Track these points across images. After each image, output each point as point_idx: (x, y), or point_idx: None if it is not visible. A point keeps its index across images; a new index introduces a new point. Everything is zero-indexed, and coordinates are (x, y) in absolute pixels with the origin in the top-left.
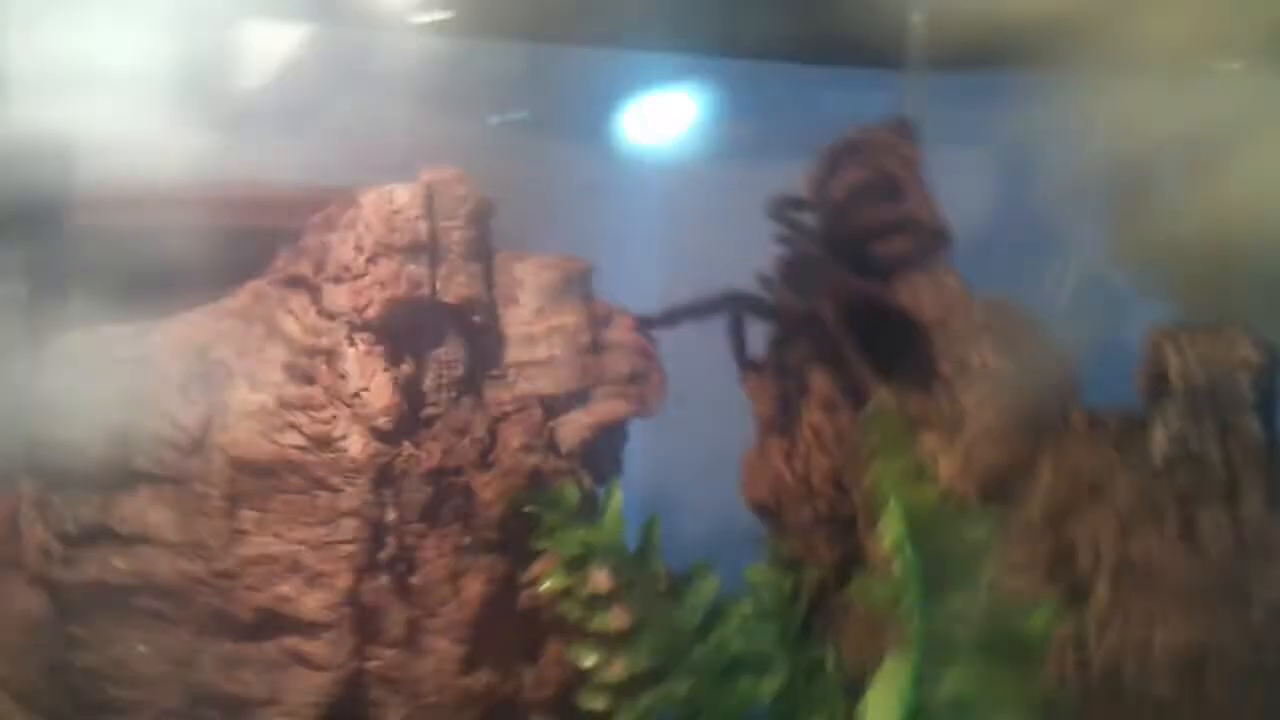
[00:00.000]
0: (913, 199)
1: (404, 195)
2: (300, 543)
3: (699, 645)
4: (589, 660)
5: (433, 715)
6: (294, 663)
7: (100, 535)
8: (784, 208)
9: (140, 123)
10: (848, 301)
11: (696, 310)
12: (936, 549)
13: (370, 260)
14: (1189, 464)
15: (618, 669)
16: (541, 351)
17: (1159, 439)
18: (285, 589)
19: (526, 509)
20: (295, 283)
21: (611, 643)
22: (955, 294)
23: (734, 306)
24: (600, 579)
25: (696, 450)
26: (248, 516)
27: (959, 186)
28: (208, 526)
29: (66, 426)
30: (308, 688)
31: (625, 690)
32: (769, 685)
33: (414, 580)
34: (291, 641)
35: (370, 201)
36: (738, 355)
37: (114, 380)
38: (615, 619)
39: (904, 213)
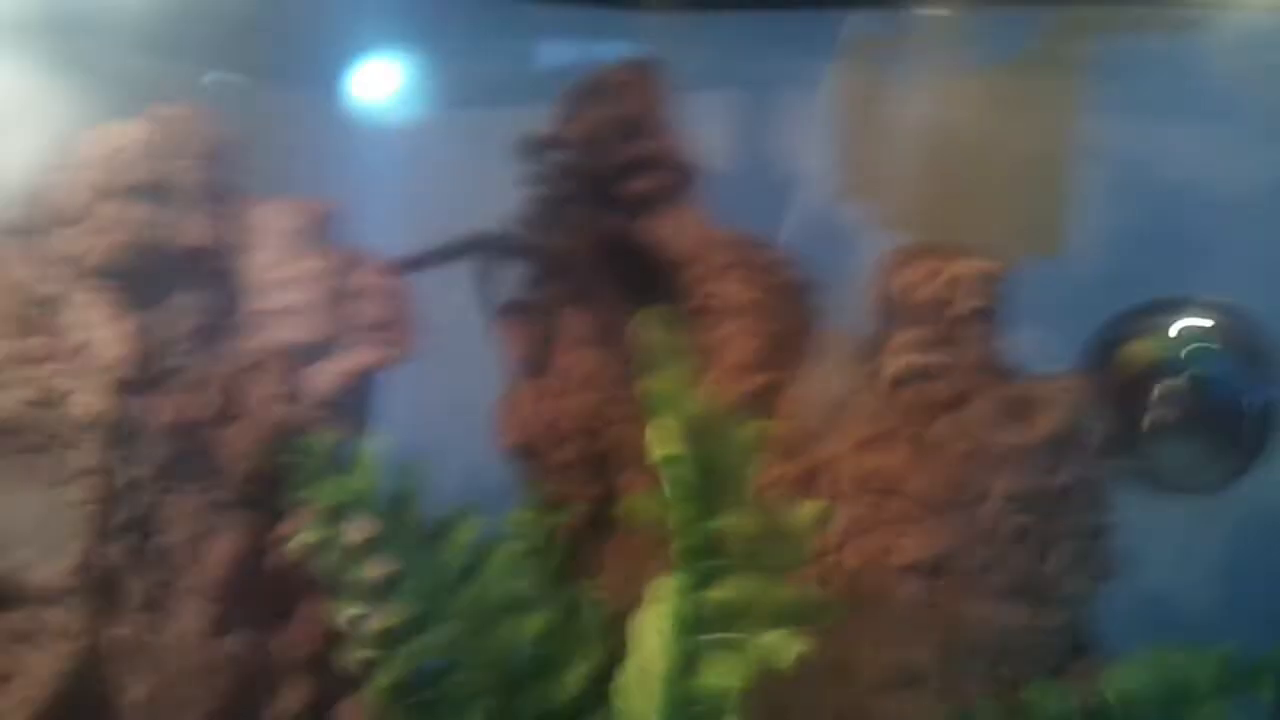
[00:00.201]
0: (658, 137)
1: (127, 133)
2: (34, 506)
3: (460, 592)
4: (350, 613)
5: (180, 685)
6: (31, 635)
7: None
8: (534, 148)
9: None
10: (598, 239)
11: (445, 253)
12: (707, 459)
13: (93, 202)
14: (918, 379)
15: (379, 620)
16: (285, 298)
17: (889, 357)
18: (19, 556)
19: (276, 461)
20: (21, 230)
21: (372, 594)
22: (702, 230)
23: (482, 247)
24: (356, 529)
25: (449, 397)
26: None
27: (703, 128)
28: None
29: None
30: (45, 661)
31: (388, 642)
32: (531, 627)
33: (156, 542)
34: (27, 613)
35: (90, 140)
36: (486, 298)
37: None
38: (374, 569)
39: (649, 150)
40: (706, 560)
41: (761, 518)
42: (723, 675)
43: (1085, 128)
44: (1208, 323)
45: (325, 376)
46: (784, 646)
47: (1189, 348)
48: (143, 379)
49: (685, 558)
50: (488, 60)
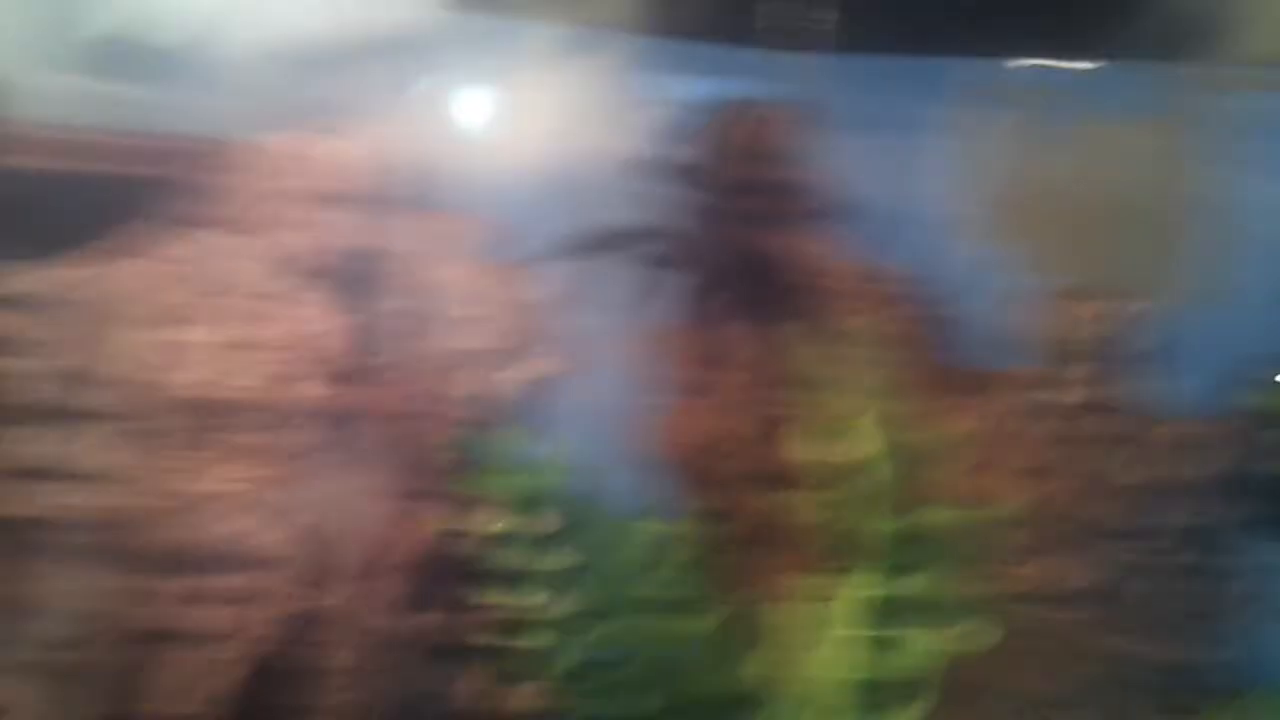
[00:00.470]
0: (799, 167)
1: (347, 145)
2: (258, 480)
3: (636, 587)
4: (537, 598)
5: (380, 653)
6: (250, 597)
7: (49, 472)
8: (679, 171)
9: None
10: (743, 256)
11: (605, 244)
12: (902, 458)
13: (323, 209)
14: (1099, 411)
15: (563, 607)
16: (478, 308)
17: (1065, 391)
18: (242, 524)
19: (467, 455)
20: (237, 229)
21: (554, 584)
22: (844, 260)
23: (638, 246)
24: (544, 522)
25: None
26: (205, 455)
27: (849, 166)
28: (164, 464)
29: (16, 359)
30: (263, 621)
31: (567, 629)
32: (702, 623)
33: (365, 522)
34: (249, 576)
35: (321, 152)
36: (644, 308)
37: (66, 321)
38: (557, 561)
39: (790, 177)
40: (899, 554)
41: (955, 514)
42: (915, 659)
43: (1221, 180)
44: None
45: (508, 382)
46: (975, 635)
47: None
48: (360, 372)
49: (877, 552)
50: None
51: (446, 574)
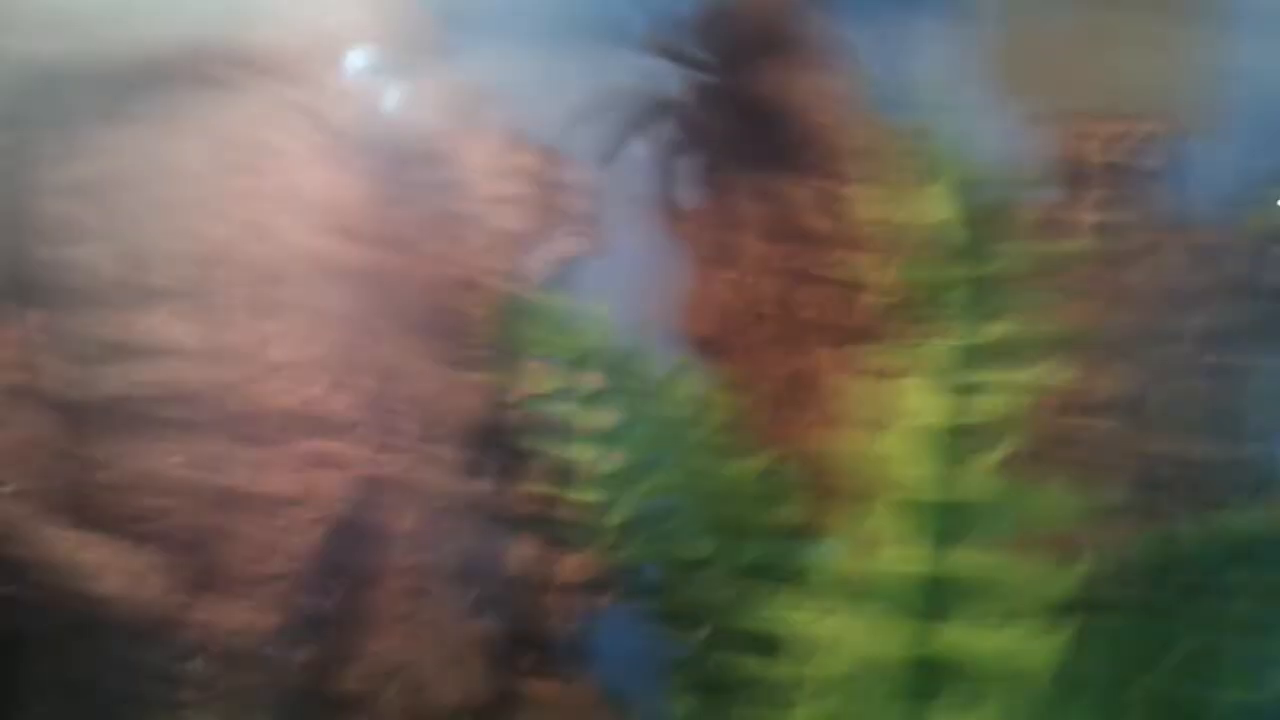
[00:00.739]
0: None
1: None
2: (319, 347)
3: (682, 439)
4: (586, 455)
5: (440, 519)
6: (322, 461)
7: (119, 353)
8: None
9: None
10: (744, 107)
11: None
12: (977, 215)
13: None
14: (1112, 231)
15: (613, 461)
16: (510, 187)
17: (1084, 214)
18: (310, 391)
19: (511, 322)
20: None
21: (606, 438)
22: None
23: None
24: (590, 380)
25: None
26: (269, 324)
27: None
28: (229, 336)
29: (76, 246)
30: (335, 486)
31: (618, 484)
32: (749, 468)
33: (419, 388)
34: (320, 441)
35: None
36: (664, 191)
37: (126, 196)
38: (605, 417)
39: (791, 30)
40: (978, 306)
41: (1031, 256)
42: (998, 405)
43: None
44: None
45: (542, 261)
46: (1054, 374)
47: None
48: (396, 239)
49: (955, 303)
50: None
51: (499, 439)
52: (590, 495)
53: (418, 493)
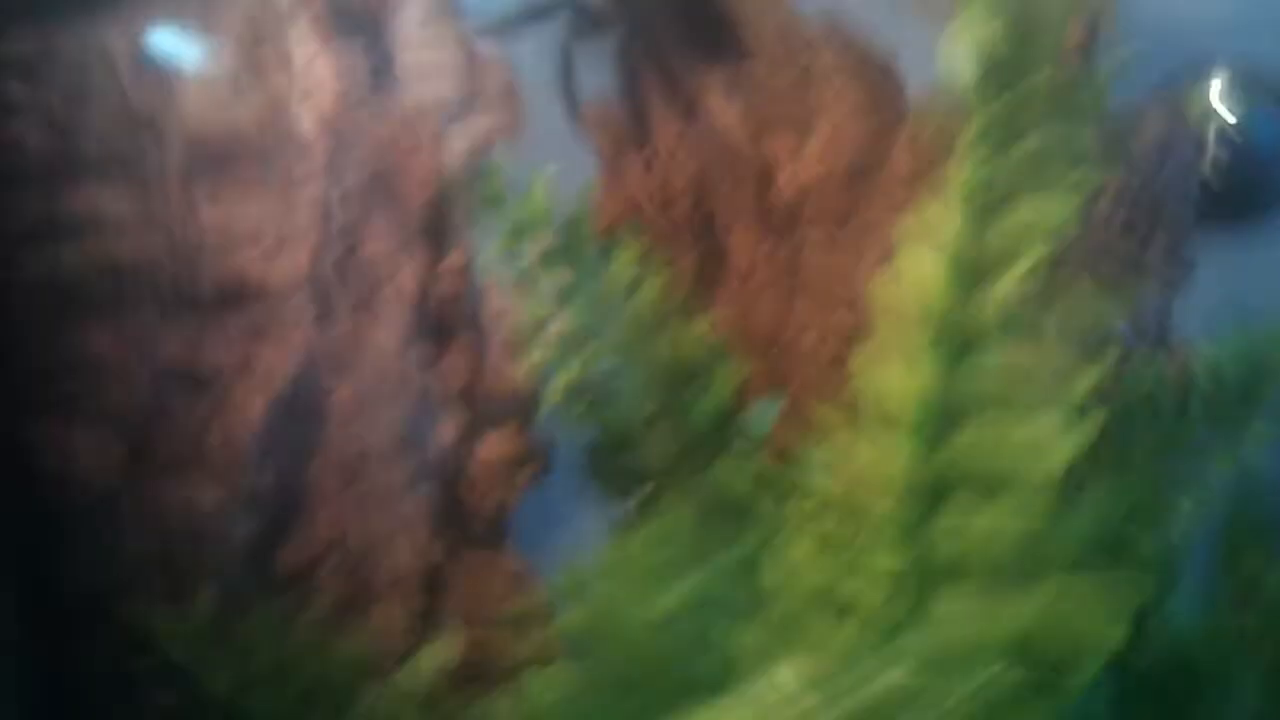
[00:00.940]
0: None
1: None
2: (262, 208)
3: (625, 305)
4: (537, 316)
5: (375, 394)
6: (266, 329)
7: (44, 231)
8: None
9: None
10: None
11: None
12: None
13: None
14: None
15: (561, 323)
16: (436, 55)
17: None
18: (251, 254)
19: (453, 190)
20: None
21: (549, 303)
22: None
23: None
24: (536, 244)
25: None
26: (210, 193)
27: None
28: (169, 207)
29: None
30: (281, 354)
31: (565, 345)
32: (689, 332)
33: (356, 260)
34: (262, 308)
35: None
36: (565, 83)
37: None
38: (552, 280)
39: None
40: (1011, 122)
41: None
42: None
43: None
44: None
45: (466, 137)
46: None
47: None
48: (340, 110)
49: (985, 129)
50: None
51: (442, 309)
52: (539, 356)
53: (358, 364)
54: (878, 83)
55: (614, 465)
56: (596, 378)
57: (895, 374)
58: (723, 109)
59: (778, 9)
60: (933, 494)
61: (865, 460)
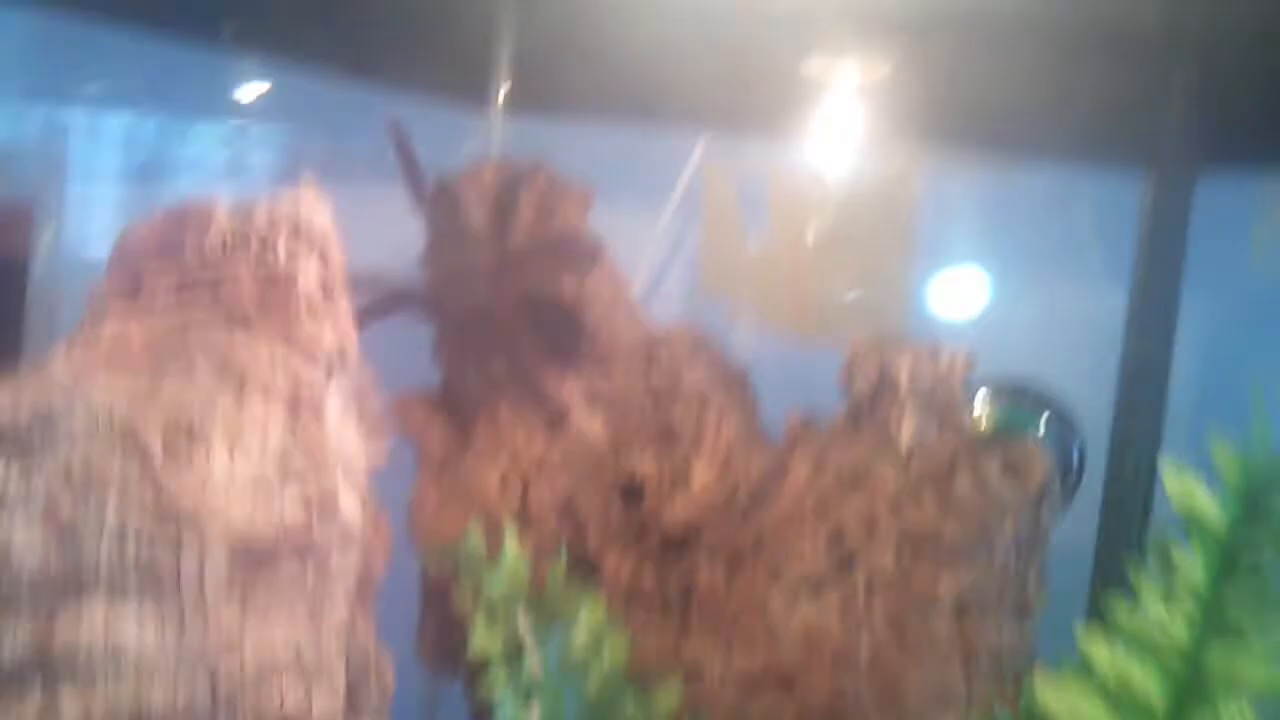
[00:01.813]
0: (566, 219)
1: None
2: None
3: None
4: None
5: None
6: None
7: (39, 668)
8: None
9: None
10: (510, 301)
11: (384, 308)
12: None
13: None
14: (924, 451)
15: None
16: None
17: (905, 434)
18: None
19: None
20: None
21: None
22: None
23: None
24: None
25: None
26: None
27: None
28: (204, 632)
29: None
30: None
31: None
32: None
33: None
34: None
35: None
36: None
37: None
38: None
39: (560, 230)
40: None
41: None
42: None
43: None
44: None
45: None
46: None
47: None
48: None
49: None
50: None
51: None
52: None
53: None
54: (748, 401)
55: None
56: None
57: None
58: (587, 421)
59: (633, 320)
60: None
61: None
